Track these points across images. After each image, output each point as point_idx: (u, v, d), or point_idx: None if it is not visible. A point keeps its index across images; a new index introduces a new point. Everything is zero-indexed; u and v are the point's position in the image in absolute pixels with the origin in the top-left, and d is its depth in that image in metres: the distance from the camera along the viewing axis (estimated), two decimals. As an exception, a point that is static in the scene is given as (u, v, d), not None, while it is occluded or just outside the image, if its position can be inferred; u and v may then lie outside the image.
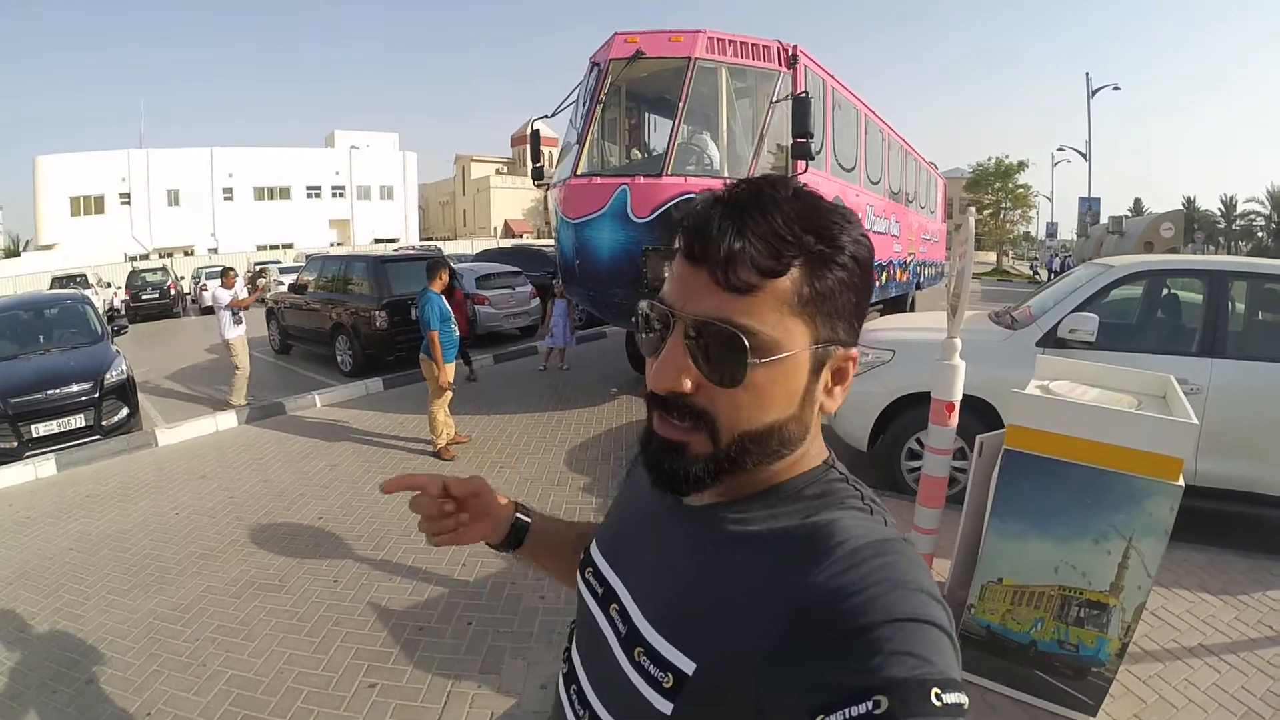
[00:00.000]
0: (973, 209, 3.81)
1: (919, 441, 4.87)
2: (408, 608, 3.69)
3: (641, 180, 6.55)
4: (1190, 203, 58.96)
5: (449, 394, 6.09)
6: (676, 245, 0.66)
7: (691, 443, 0.65)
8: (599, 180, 6.71)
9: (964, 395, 3.32)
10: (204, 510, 5.09)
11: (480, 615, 3.59)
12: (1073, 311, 4.59)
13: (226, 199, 47.62)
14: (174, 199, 45.66)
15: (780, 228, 0.60)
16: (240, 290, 8.60)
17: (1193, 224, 47.37)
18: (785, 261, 0.60)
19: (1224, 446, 4.10)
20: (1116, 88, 33.62)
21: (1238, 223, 56.86)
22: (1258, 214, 54.00)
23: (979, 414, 4.42)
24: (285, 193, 50.36)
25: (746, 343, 0.60)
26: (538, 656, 3.22)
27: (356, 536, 4.55)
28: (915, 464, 4.91)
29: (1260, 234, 53.30)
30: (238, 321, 8.27)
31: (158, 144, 48.14)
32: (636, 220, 6.40)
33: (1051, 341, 4.55)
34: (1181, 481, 2.44)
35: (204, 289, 22.18)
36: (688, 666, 0.63)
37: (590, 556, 0.86)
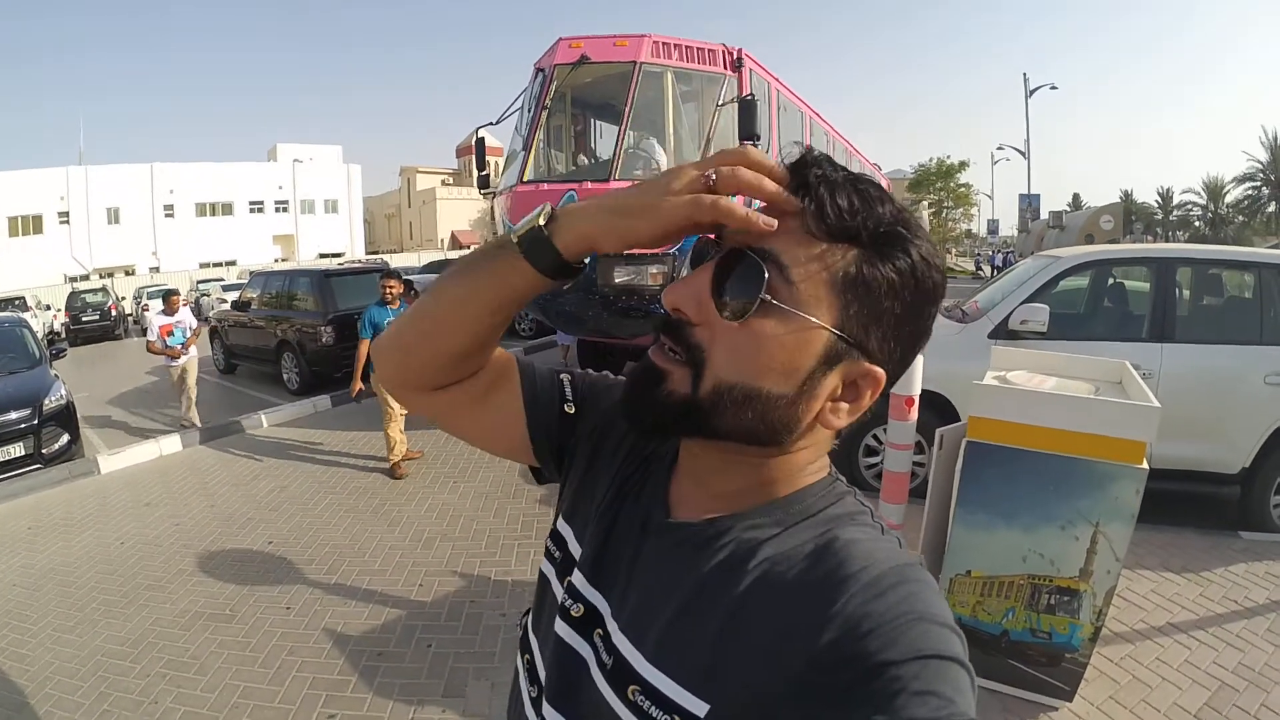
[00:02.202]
0: (925, 203, 3.82)
1: (875, 438, 4.88)
2: (365, 632, 3.55)
3: (589, 186, 6.48)
4: (1128, 195, 60.79)
5: (394, 412, 5.88)
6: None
7: (673, 375, 0.60)
8: (545, 187, 6.63)
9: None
10: (150, 539, 4.88)
11: (440, 636, 3.47)
12: (1023, 303, 4.65)
13: (168, 216, 46.20)
14: (114, 217, 44.17)
15: (871, 200, 0.57)
16: (187, 318, 7.98)
17: (1131, 216, 48.94)
18: (854, 224, 0.56)
19: (1178, 428, 4.17)
20: (1054, 87, 34.51)
21: (1175, 213, 58.75)
22: (1194, 204, 55.88)
23: (933, 407, 4.42)
24: (228, 208, 49.02)
25: (766, 273, 0.55)
26: (502, 676, 3.11)
27: (308, 560, 4.39)
28: (872, 460, 4.93)
29: (1198, 223, 55.18)
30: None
31: (97, 160, 46.53)
32: None
33: (1003, 333, 4.60)
34: (1146, 465, 2.45)
35: (145, 309, 21.64)
36: (699, 708, 0.56)
37: (572, 558, 0.76)
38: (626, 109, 6.57)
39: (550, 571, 0.78)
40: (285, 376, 10.08)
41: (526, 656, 0.78)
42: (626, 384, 0.64)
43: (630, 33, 6.76)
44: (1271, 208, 45.96)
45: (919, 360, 3.18)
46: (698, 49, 6.95)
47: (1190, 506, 4.55)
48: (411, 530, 4.77)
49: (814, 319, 0.56)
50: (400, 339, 0.76)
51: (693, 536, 0.64)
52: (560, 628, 0.70)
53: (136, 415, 9.31)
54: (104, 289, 23.40)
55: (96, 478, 6.39)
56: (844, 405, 0.61)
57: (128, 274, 38.51)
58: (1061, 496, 2.58)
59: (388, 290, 5.98)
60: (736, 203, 0.57)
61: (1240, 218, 50.07)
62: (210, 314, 14.21)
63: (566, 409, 0.83)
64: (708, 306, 0.58)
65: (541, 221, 0.63)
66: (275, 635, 3.56)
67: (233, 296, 14.06)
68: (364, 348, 5.89)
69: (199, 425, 7.71)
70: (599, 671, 0.64)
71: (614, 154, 6.63)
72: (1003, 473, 2.67)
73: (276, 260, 44.83)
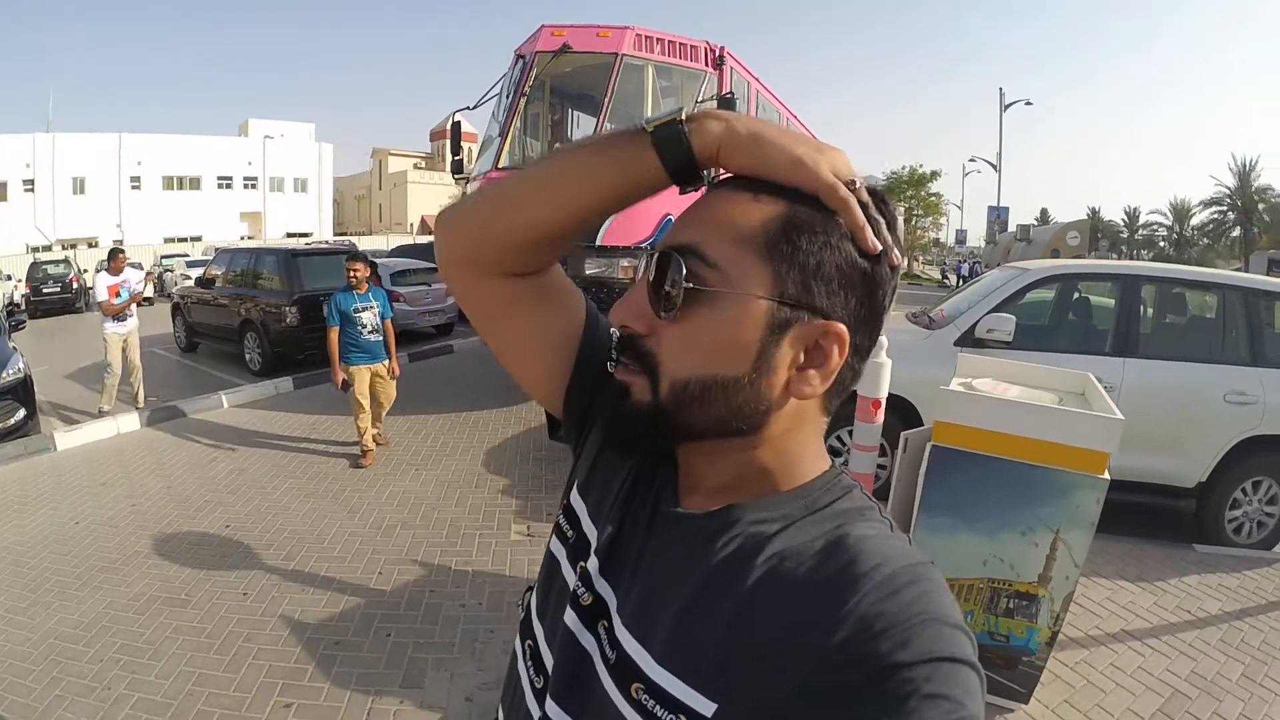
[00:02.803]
0: (901, 208, 3.86)
1: (840, 439, 4.91)
2: (322, 620, 3.50)
3: None
4: (1095, 213, 61.93)
5: (365, 404, 5.76)
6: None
7: (634, 387, 0.61)
8: None
9: (884, 392, 3.34)
10: (105, 520, 4.76)
11: (399, 626, 3.44)
12: (990, 312, 4.71)
13: (134, 188, 45.03)
14: (79, 187, 42.97)
15: None
16: (132, 277, 7.88)
17: (1097, 233, 49.90)
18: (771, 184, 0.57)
19: (1136, 442, 4.25)
20: (1028, 103, 35.04)
21: (1140, 232, 60.06)
22: (1160, 224, 57.26)
23: (898, 411, 4.46)
24: (195, 183, 47.95)
25: (684, 266, 0.57)
26: (461, 668, 3.09)
27: (266, 545, 4.32)
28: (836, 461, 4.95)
29: (1162, 243, 56.54)
30: (121, 319, 7.58)
31: (66, 128, 45.15)
32: None
33: (969, 341, 4.66)
34: (1107, 475, 2.50)
35: (98, 273, 21.17)
36: (705, 708, 0.54)
37: (586, 539, 0.73)
38: (606, 100, 6.56)
39: (561, 552, 0.75)
40: (247, 357, 9.93)
41: (529, 642, 0.74)
42: (604, 410, 0.64)
43: (613, 24, 6.76)
44: (1236, 232, 47.09)
45: (886, 365, 3.21)
46: (680, 44, 6.97)
47: (1147, 518, 4.64)
48: (372, 517, 4.72)
49: (742, 290, 0.56)
50: (487, 204, 0.72)
51: (699, 529, 0.62)
52: (569, 617, 0.67)
53: (96, 391, 9.05)
54: (66, 260, 22.75)
55: (52, 455, 6.25)
56: (812, 372, 0.59)
57: (91, 246, 37.46)
58: (1023, 503, 2.62)
59: (353, 274, 5.82)
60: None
61: (1205, 240, 51.35)
62: (173, 290, 13.86)
63: (609, 366, 0.76)
64: (649, 315, 0.59)
65: (682, 116, 0.60)
66: (231, 621, 3.49)
67: (197, 273, 13.80)
68: (334, 335, 5.75)
69: (140, 405, 7.59)
70: (603, 666, 0.63)
71: None
72: (966, 478, 2.70)
73: (243, 238, 44.00)
